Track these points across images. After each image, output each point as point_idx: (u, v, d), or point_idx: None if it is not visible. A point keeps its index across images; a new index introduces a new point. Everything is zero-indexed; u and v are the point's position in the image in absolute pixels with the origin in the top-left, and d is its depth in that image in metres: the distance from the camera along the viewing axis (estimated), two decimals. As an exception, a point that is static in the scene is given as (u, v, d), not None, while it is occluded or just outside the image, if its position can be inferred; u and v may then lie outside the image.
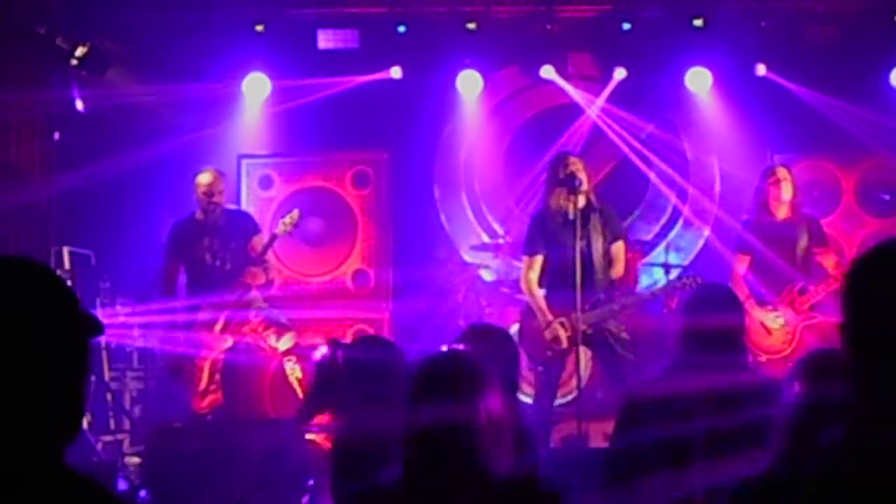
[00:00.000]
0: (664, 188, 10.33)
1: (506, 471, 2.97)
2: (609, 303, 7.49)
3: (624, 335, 7.55)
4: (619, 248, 7.71)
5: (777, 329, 7.86)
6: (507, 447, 3.00)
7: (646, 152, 10.19)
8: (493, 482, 2.93)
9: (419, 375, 3.07)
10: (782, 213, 7.94)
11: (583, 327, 7.32)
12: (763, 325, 7.87)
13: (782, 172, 7.98)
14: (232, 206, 8.93)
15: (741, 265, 8.00)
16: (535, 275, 7.70)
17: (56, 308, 1.89)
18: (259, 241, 8.46)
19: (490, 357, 4.00)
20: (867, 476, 1.97)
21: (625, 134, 10.10)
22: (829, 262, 7.94)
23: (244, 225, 8.58)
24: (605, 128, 10.06)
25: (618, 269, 7.71)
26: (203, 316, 8.21)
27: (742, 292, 7.81)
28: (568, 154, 7.85)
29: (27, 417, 1.82)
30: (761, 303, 7.87)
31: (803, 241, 7.91)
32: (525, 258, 7.82)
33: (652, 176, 10.29)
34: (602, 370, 7.86)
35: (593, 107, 10.11)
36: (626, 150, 10.02)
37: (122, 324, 8.68)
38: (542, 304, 7.63)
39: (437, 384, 3.02)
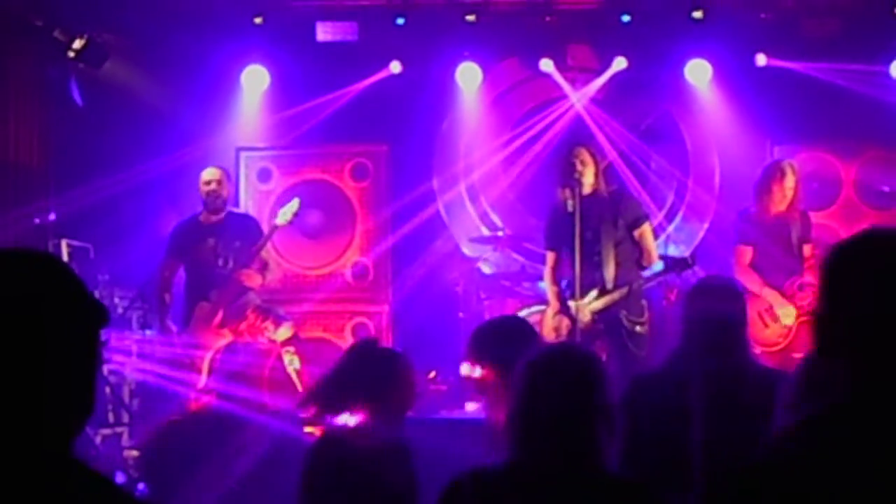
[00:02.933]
0: (663, 181, 10.33)
1: (613, 467, 3.02)
2: (612, 292, 7.43)
3: (639, 329, 7.44)
4: (642, 232, 7.54)
5: (786, 323, 7.84)
6: (616, 443, 3.05)
7: (646, 143, 10.19)
8: (606, 477, 2.98)
9: (539, 366, 3.09)
10: (779, 208, 7.92)
11: (586, 318, 7.30)
12: (764, 315, 7.85)
13: (789, 169, 7.93)
14: (235, 210, 8.93)
15: (745, 257, 7.98)
16: (549, 269, 7.71)
17: (67, 298, 1.89)
18: (261, 242, 8.44)
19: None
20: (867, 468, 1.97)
21: (624, 126, 10.11)
22: (808, 256, 7.95)
23: (249, 227, 8.56)
24: (594, 126, 10.02)
25: (648, 258, 7.55)
26: (201, 311, 8.20)
27: (755, 281, 7.81)
28: (574, 145, 7.71)
29: (37, 407, 1.81)
30: (775, 288, 7.89)
31: (794, 235, 7.92)
32: (547, 253, 7.81)
33: (651, 168, 10.29)
34: (612, 363, 7.82)
35: (584, 91, 10.10)
36: (613, 154, 9.97)
37: (121, 317, 8.71)
38: (553, 296, 7.63)
39: (559, 375, 3.05)
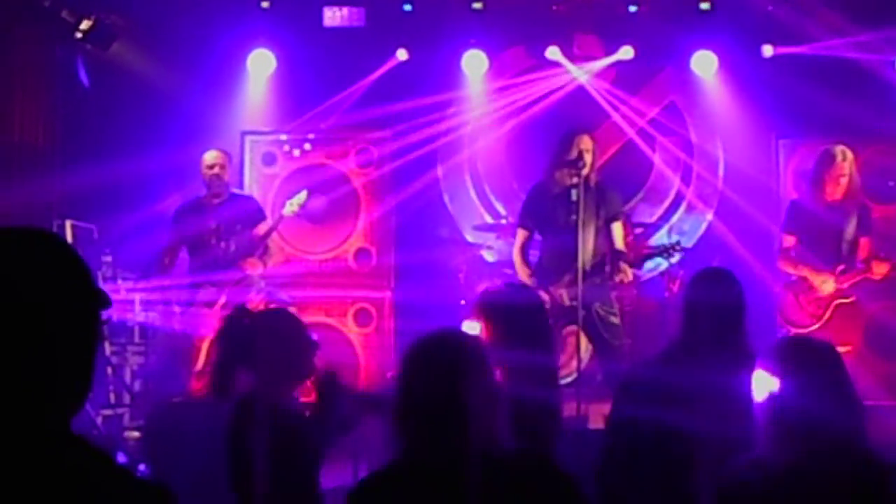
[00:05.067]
0: (668, 171, 10.34)
1: (509, 446, 2.97)
2: (591, 278, 7.42)
3: (613, 319, 7.53)
4: (616, 228, 7.67)
5: (824, 292, 7.69)
6: (505, 422, 3.00)
7: (651, 133, 10.20)
8: (496, 457, 2.94)
9: (415, 354, 3.07)
10: (833, 195, 7.72)
11: (567, 302, 7.31)
12: (799, 293, 7.79)
13: (839, 154, 7.72)
14: (238, 191, 8.93)
15: (786, 244, 7.88)
16: (519, 247, 7.80)
17: (68, 278, 1.90)
18: (264, 227, 8.45)
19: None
20: None
21: (631, 115, 10.12)
22: (863, 250, 7.78)
23: (250, 210, 8.55)
24: (609, 109, 10.06)
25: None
26: (204, 295, 8.21)
27: (790, 262, 7.80)
28: (579, 132, 7.70)
29: (37, 385, 1.83)
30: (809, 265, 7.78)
31: (851, 228, 7.73)
32: (518, 230, 7.87)
33: (656, 158, 10.30)
34: (594, 354, 7.84)
35: (588, 68, 10.09)
36: (630, 132, 10.03)
37: (124, 299, 8.71)
38: (525, 273, 7.68)
39: (432, 362, 3.01)
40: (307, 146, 9.92)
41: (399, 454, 2.98)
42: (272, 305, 8.39)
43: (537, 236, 7.77)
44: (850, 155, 7.79)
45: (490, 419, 2.95)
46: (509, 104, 10.44)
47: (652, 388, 4.10)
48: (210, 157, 8.39)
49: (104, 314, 1.96)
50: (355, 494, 3.05)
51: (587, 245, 7.46)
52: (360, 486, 3.07)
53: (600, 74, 10.18)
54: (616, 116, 10.09)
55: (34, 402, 1.83)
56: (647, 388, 4.13)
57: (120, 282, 9.13)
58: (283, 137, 10.07)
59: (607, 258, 7.56)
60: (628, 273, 7.43)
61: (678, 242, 7.85)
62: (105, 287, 8.55)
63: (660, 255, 7.82)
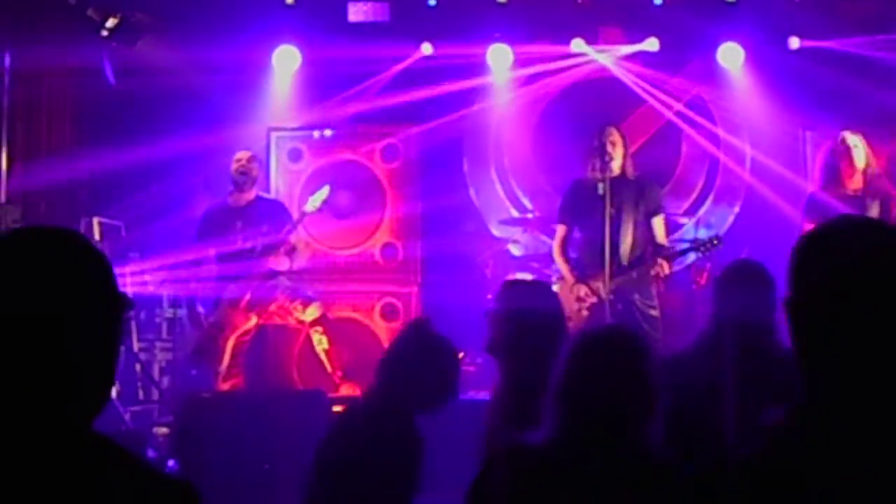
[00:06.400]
0: (694, 163, 10.30)
1: (657, 449, 3.00)
2: (629, 271, 7.45)
3: (653, 312, 7.51)
4: (658, 221, 7.66)
5: None
6: (655, 430, 3.02)
7: (677, 126, 10.16)
8: (649, 458, 2.97)
9: (588, 345, 3.10)
10: (854, 184, 7.56)
11: (604, 296, 7.33)
12: None
13: (853, 139, 7.56)
14: (265, 195, 8.94)
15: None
16: (559, 243, 7.83)
17: (91, 279, 1.90)
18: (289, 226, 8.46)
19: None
20: (813, 464, 1.93)
21: (657, 108, 10.09)
22: None
23: (278, 212, 8.56)
24: (640, 95, 10.03)
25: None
26: (230, 293, 8.22)
27: None
28: (607, 125, 7.73)
29: (58, 386, 1.83)
30: None
31: (872, 216, 7.47)
32: (558, 226, 7.90)
33: (682, 151, 10.26)
34: None
35: (612, 52, 10.06)
36: (668, 114, 10.00)
37: (152, 294, 8.75)
38: (566, 268, 7.71)
39: (609, 355, 3.05)
40: (328, 132, 9.94)
41: (553, 435, 3.01)
42: (297, 302, 8.42)
43: (577, 232, 7.77)
44: (863, 139, 7.63)
45: (643, 423, 2.99)
46: (535, 97, 10.43)
47: (685, 385, 4.07)
48: (239, 153, 8.46)
49: (131, 312, 1.96)
50: (499, 457, 3.10)
51: (626, 238, 7.49)
52: (505, 453, 3.10)
53: (625, 67, 10.14)
54: (647, 103, 10.05)
55: (56, 403, 1.83)
56: (681, 385, 4.10)
57: (147, 277, 9.16)
58: (316, 135, 10.08)
59: (648, 252, 7.57)
60: (665, 267, 7.41)
61: (717, 236, 7.76)
62: (133, 281, 8.63)
63: (697, 249, 7.78)
